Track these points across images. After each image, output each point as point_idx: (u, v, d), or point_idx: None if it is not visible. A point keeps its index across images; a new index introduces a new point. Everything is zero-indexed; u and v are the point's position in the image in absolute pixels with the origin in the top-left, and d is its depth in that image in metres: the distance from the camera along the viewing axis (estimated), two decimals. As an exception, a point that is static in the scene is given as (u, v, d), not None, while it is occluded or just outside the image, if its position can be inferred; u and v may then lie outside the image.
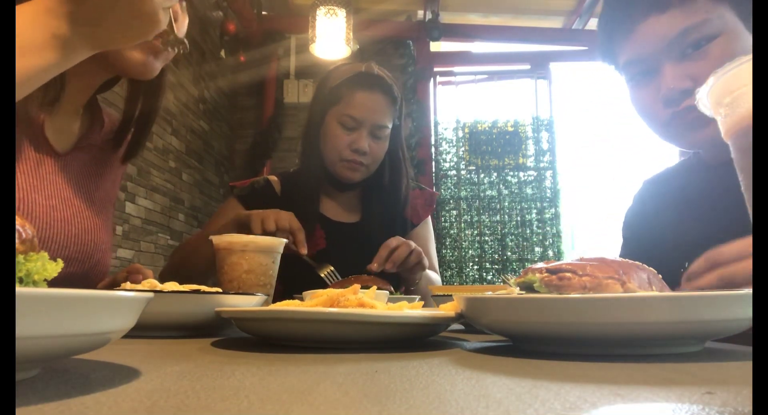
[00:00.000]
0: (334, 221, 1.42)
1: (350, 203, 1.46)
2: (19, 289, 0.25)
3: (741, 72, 0.34)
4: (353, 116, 1.32)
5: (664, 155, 4.13)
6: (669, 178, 1.05)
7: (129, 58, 0.84)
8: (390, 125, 1.37)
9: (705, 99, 0.41)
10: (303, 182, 1.39)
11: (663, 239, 0.95)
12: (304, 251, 1.11)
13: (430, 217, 1.56)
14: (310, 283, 1.14)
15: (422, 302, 0.69)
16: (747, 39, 0.81)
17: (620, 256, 1.05)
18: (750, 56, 0.34)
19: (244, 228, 1.08)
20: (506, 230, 4.05)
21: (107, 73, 0.92)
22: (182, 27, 0.91)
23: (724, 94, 0.36)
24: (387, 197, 1.43)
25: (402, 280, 1.29)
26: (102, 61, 0.84)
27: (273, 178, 1.44)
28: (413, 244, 1.22)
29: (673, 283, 0.88)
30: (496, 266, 4.02)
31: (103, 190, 1.02)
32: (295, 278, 1.15)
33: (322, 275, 1.18)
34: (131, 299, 0.33)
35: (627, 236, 1.09)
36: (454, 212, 4.11)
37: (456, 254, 4.04)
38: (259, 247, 0.91)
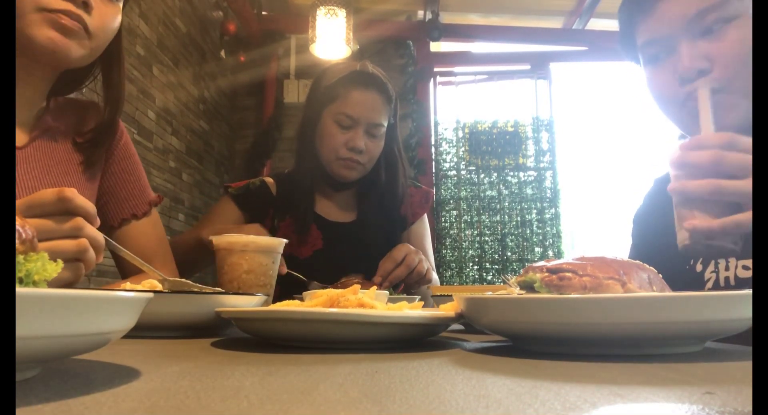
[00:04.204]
0: (331, 220, 1.42)
1: (346, 203, 1.46)
2: (19, 289, 0.25)
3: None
4: (349, 115, 1.32)
5: (664, 155, 4.12)
6: None
7: (34, 36, 0.79)
8: (385, 124, 1.37)
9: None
10: (298, 182, 1.39)
11: (674, 240, 0.94)
12: (283, 270, 1.10)
13: (426, 215, 1.56)
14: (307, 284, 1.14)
15: (422, 302, 0.69)
16: None
17: (629, 257, 1.04)
18: None
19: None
20: (506, 230, 4.05)
21: (41, 65, 0.87)
22: (105, 19, 0.85)
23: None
24: (383, 196, 1.43)
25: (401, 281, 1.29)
26: (26, 52, 0.80)
27: (269, 179, 1.44)
28: (417, 259, 1.21)
29: (685, 286, 0.87)
30: (496, 266, 4.02)
31: (70, 182, 1.00)
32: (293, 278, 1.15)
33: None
34: (131, 299, 0.33)
35: (636, 236, 1.06)
36: (454, 212, 4.10)
37: (456, 254, 4.04)
38: (259, 247, 0.91)
